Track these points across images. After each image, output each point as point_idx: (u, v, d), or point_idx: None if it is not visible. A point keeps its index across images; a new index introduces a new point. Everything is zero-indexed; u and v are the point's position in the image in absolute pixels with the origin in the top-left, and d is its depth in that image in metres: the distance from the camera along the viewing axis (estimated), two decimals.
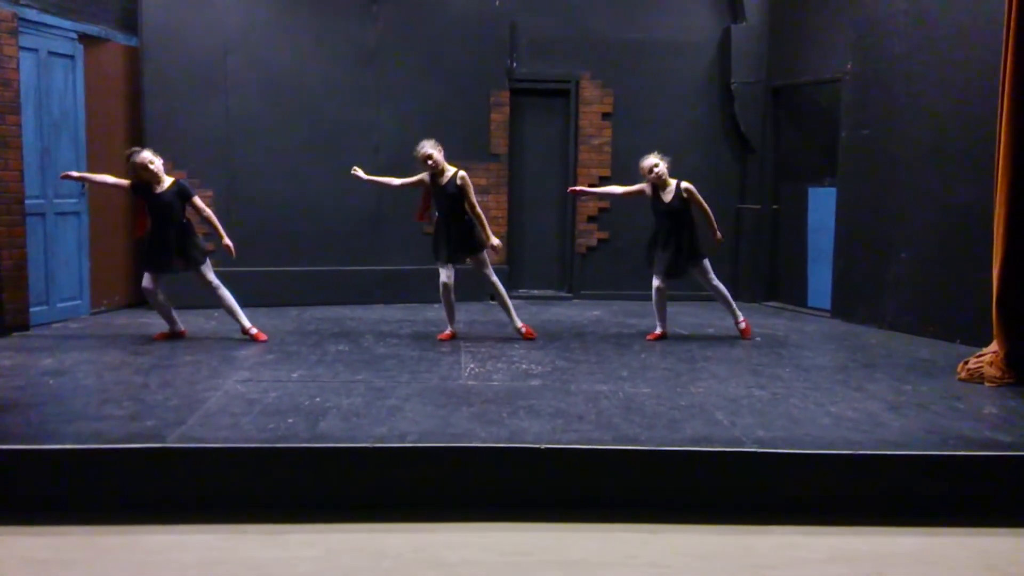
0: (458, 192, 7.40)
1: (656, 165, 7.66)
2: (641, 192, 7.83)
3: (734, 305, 8.02)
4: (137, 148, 7.23)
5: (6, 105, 7.39)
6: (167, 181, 7.16)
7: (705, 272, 7.83)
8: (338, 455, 4.61)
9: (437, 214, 7.63)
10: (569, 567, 4.02)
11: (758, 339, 7.88)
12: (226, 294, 7.29)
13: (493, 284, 7.66)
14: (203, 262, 7.27)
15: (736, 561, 4.11)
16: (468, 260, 7.70)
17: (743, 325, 7.96)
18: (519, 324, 7.76)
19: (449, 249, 7.53)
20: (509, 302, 7.77)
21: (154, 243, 7.17)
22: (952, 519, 4.56)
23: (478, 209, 7.51)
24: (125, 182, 7.21)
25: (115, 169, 8.85)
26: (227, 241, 7.27)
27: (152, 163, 7.07)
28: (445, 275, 7.59)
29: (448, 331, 7.72)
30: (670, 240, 7.71)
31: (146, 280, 7.21)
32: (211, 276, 7.26)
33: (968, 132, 7.61)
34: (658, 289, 7.82)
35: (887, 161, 8.48)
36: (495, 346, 7.41)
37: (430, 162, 7.37)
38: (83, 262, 8.52)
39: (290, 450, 4.60)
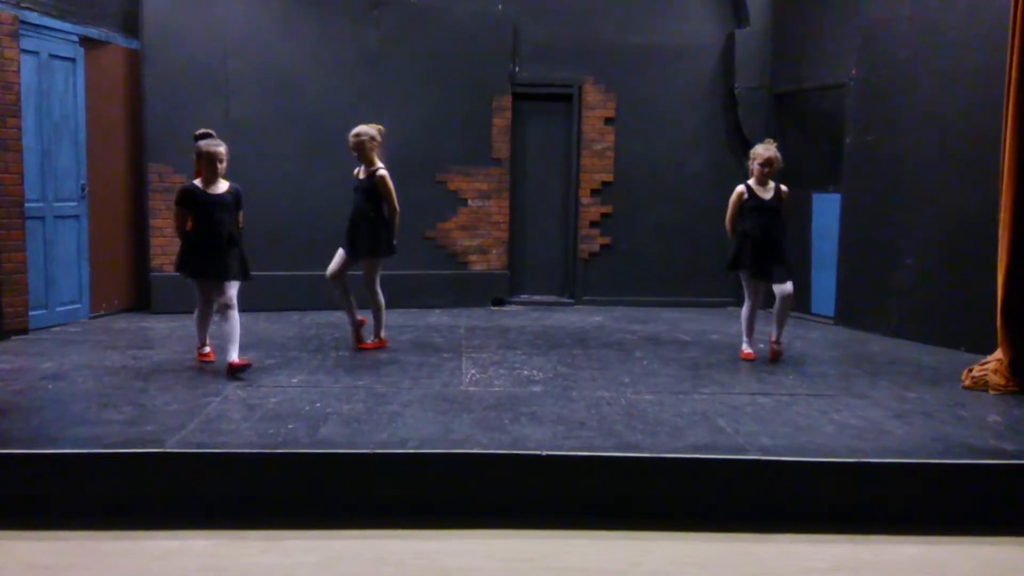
0: (372, 188, 7.04)
1: (777, 160, 7.04)
2: (740, 196, 7.11)
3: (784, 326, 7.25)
4: (211, 131, 6.41)
5: (6, 108, 7.37)
6: (224, 184, 6.36)
7: (782, 291, 7.07)
8: (339, 461, 4.59)
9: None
10: (570, 574, 3.99)
11: (761, 346, 7.84)
12: (235, 317, 6.25)
13: (374, 295, 7.26)
14: (242, 277, 6.37)
15: (739, 569, 4.09)
16: (361, 262, 7.21)
17: (777, 347, 7.20)
18: (382, 334, 7.45)
19: (351, 244, 7.17)
20: (383, 317, 7.44)
21: (203, 246, 6.26)
22: (956, 528, 4.54)
23: (396, 216, 7.17)
24: (181, 212, 6.37)
25: (114, 169, 8.91)
26: None
27: (224, 160, 6.31)
28: (333, 265, 7.23)
29: (373, 339, 7.38)
30: (766, 239, 6.99)
31: (202, 292, 6.53)
32: (234, 293, 6.30)
33: (973, 138, 7.59)
34: (754, 298, 7.24)
35: (891, 167, 8.46)
36: (497, 352, 7.38)
37: (352, 140, 7.05)
38: (83, 266, 8.49)
39: (291, 456, 4.58)
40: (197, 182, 6.33)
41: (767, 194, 7.06)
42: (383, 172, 7.06)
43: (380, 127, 7.21)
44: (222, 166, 6.30)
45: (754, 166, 7.10)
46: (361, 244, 7.13)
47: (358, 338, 7.38)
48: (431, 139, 9.73)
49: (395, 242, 7.26)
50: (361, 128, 7.08)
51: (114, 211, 8.89)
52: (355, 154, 7.13)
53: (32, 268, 7.76)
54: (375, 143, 7.08)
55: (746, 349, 7.32)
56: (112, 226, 8.87)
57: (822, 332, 8.79)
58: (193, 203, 6.28)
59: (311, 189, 9.45)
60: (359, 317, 7.41)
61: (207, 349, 6.69)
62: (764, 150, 7.06)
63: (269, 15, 9.30)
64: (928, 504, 4.65)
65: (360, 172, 7.18)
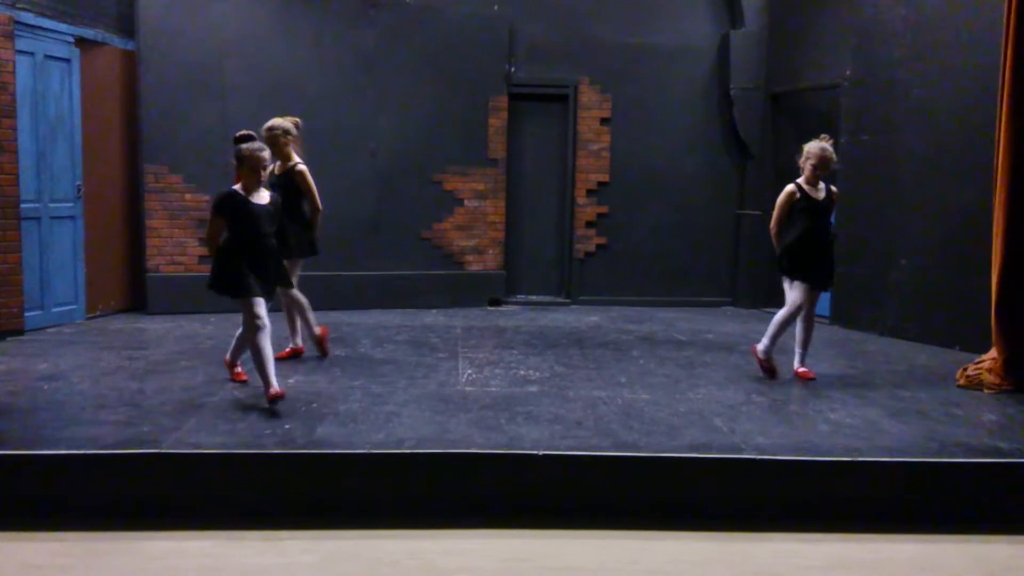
0: (289, 184, 6.54)
1: (832, 159, 6.35)
2: (792, 196, 6.38)
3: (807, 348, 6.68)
4: (252, 133, 5.68)
5: (2, 109, 7.35)
6: (265, 193, 5.66)
7: (815, 301, 6.57)
8: (335, 461, 4.59)
9: None
10: (567, 574, 4.00)
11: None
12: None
13: (294, 296, 6.78)
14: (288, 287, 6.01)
15: (735, 568, 4.09)
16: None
17: (801, 369, 6.62)
18: (316, 330, 6.98)
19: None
20: (310, 314, 6.90)
21: (249, 261, 5.50)
22: (951, 526, 4.56)
23: (318, 214, 6.74)
24: (220, 221, 5.53)
25: (109, 170, 8.90)
26: None
27: (268, 167, 5.69)
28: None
29: (288, 347, 6.99)
30: (824, 246, 6.41)
31: (262, 309, 5.55)
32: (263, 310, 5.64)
33: (967, 138, 7.61)
34: (799, 307, 6.44)
35: (886, 167, 8.47)
36: (493, 352, 7.38)
37: (264, 134, 6.45)
38: (78, 267, 8.47)
39: (287, 456, 4.58)
40: (237, 188, 5.55)
41: (819, 194, 6.37)
42: (302, 167, 6.61)
43: (296, 120, 6.73)
44: (265, 173, 5.61)
45: (806, 165, 6.35)
46: (283, 244, 6.42)
47: (321, 348, 7.01)
48: (427, 139, 9.73)
49: (316, 241, 6.82)
50: (274, 121, 6.61)
51: (110, 212, 8.88)
52: (270, 151, 6.28)
53: (28, 269, 7.75)
54: (290, 137, 6.60)
55: (763, 348, 6.62)
56: (108, 227, 8.85)
57: (817, 332, 8.70)
58: (234, 212, 5.49)
59: None
60: (318, 328, 6.99)
61: (240, 368, 6.17)
62: (820, 149, 6.30)
63: (265, 16, 9.29)
64: (923, 503, 4.67)
65: (276, 168, 6.64)
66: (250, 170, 5.50)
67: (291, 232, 6.57)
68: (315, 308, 9.30)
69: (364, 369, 6.61)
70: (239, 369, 6.15)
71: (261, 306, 5.53)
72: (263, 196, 5.59)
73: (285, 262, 6.42)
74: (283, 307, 6.83)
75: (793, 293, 6.42)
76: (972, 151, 7.50)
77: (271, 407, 5.36)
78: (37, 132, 7.90)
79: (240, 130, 5.74)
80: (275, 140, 6.52)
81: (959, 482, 4.67)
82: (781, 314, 6.49)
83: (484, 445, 4.72)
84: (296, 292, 6.76)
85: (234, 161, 5.57)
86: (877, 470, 4.66)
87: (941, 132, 7.92)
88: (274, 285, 5.77)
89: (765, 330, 6.76)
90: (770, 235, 6.59)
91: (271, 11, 9.32)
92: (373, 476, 4.58)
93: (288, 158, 6.63)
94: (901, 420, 5.44)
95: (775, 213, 6.48)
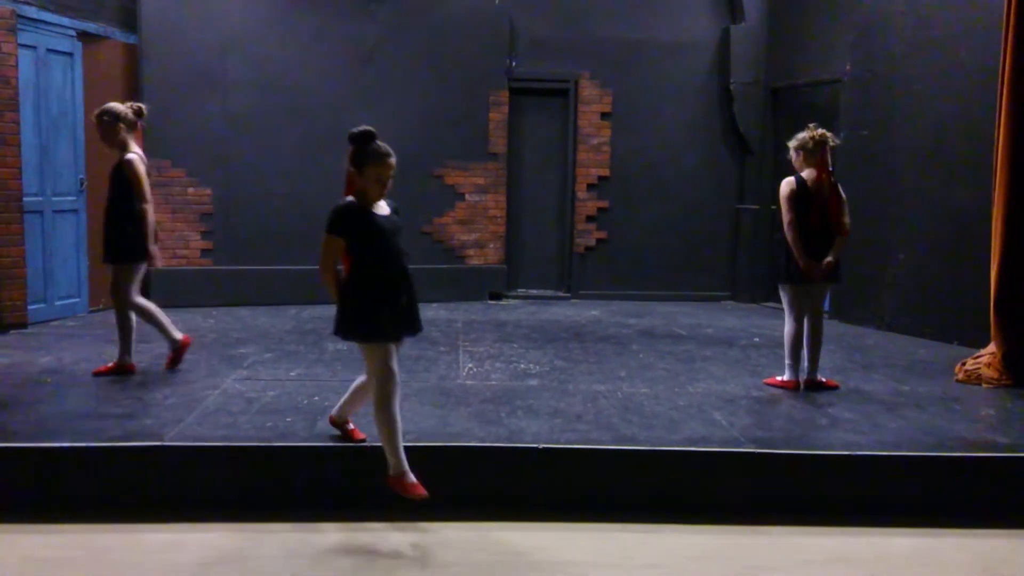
0: (119, 177, 5.85)
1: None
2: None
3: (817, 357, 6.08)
4: (372, 129, 4.43)
5: (4, 102, 7.37)
6: (384, 204, 4.42)
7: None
8: (336, 454, 4.61)
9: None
10: (566, 567, 4.02)
11: (756, 339, 7.88)
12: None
13: (119, 309, 5.98)
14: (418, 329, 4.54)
15: (734, 562, 4.11)
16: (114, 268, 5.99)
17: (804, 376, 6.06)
18: (177, 336, 6.16)
19: (104, 246, 5.98)
20: (131, 339, 6.04)
21: (385, 292, 4.30)
22: (949, 520, 4.57)
23: (146, 211, 5.83)
24: (337, 243, 4.26)
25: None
26: None
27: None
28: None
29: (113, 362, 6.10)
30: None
31: (390, 359, 4.29)
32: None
33: (967, 134, 7.61)
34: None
35: (885, 162, 8.48)
36: (493, 345, 7.40)
37: (94, 120, 5.89)
38: (81, 260, 8.50)
39: (288, 449, 4.60)
40: (351, 199, 4.34)
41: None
42: (130, 156, 5.82)
43: (138, 106, 6.03)
44: (390, 184, 4.37)
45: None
46: (107, 246, 5.93)
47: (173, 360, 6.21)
48: (428, 134, 9.74)
49: (151, 244, 5.90)
50: (108, 106, 5.89)
51: None
52: (102, 140, 5.97)
53: (31, 262, 7.77)
54: (122, 124, 5.85)
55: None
56: None
57: None
58: (357, 230, 4.28)
59: (308, 184, 9.44)
60: (181, 336, 6.23)
61: (352, 425, 4.82)
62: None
63: (266, 10, 9.30)
64: (922, 497, 4.69)
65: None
66: (375, 178, 4.28)
67: (116, 233, 5.88)
68: (317, 302, 9.37)
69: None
70: (352, 426, 4.78)
71: (392, 353, 4.32)
72: (383, 207, 4.41)
73: (115, 267, 5.94)
74: (142, 318, 6.05)
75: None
76: (971, 146, 7.51)
77: (406, 494, 4.30)
78: (40, 126, 7.92)
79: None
80: (106, 128, 5.86)
81: (957, 477, 4.69)
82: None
83: (484, 438, 4.75)
84: (130, 305, 5.98)
85: (348, 166, 4.36)
86: (876, 464, 4.68)
87: (940, 127, 7.93)
88: (419, 319, 4.50)
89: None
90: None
91: (272, 5, 9.33)
92: (374, 469, 4.60)
93: (125, 147, 5.88)
94: (899, 414, 5.46)
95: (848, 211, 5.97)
